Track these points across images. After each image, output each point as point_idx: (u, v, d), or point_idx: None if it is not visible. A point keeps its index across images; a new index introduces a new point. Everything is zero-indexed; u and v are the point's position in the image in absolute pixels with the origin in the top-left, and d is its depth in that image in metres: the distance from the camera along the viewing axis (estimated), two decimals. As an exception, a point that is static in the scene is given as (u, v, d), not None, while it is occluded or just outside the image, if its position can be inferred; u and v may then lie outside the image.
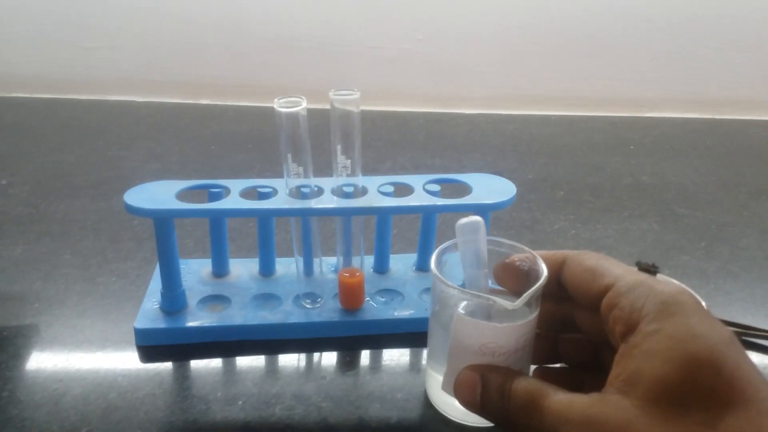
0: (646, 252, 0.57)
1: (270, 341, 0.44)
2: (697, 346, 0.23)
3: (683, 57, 0.96)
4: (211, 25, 0.91)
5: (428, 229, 0.49)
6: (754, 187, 0.71)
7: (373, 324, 0.45)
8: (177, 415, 0.37)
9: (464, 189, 0.45)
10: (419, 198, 0.43)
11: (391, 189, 0.45)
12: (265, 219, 0.46)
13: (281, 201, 0.42)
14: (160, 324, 0.43)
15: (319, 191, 0.43)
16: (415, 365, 0.42)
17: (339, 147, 0.42)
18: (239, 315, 0.44)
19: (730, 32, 0.95)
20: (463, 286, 0.37)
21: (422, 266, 0.50)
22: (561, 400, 0.26)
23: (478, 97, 0.97)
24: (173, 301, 0.43)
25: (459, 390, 0.31)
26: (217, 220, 0.46)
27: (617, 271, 0.29)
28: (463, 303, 0.36)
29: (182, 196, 0.42)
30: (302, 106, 0.40)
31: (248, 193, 0.43)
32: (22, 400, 0.38)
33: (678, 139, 0.87)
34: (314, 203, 0.42)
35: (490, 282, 0.38)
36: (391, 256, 0.50)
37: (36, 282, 0.49)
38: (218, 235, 0.47)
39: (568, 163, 0.76)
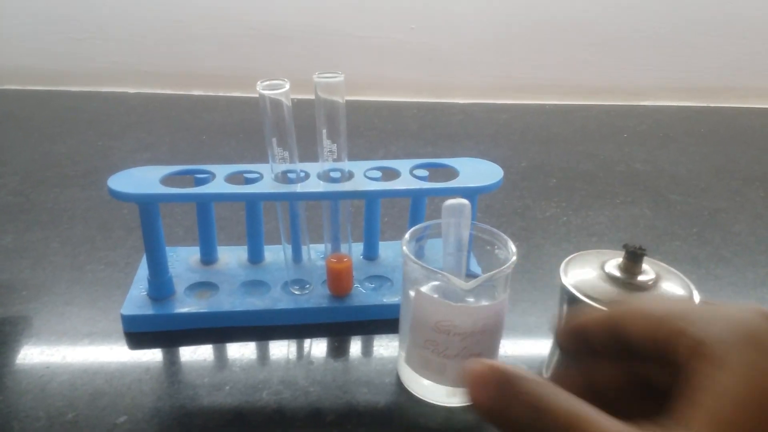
0: (637, 237, 0.57)
1: (258, 328, 0.44)
2: None
3: (677, 45, 0.96)
4: (202, 16, 0.91)
5: (417, 214, 0.48)
6: (747, 174, 0.71)
7: (361, 310, 0.45)
8: (164, 401, 0.37)
9: (451, 173, 0.45)
10: (405, 182, 0.43)
11: (378, 174, 0.44)
12: (252, 205, 0.46)
13: (266, 185, 0.42)
14: (147, 310, 0.42)
15: (306, 176, 0.43)
16: (403, 350, 0.42)
17: (324, 131, 0.42)
18: (227, 301, 0.44)
19: (724, 21, 0.94)
20: (442, 268, 0.37)
21: (412, 252, 0.50)
22: (610, 428, 0.21)
23: (472, 87, 0.96)
24: (160, 287, 0.43)
25: (471, 387, 0.23)
26: (204, 206, 0.46)
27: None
28: (433, 283, 0.36)
29: (169, 182, 0.42)
30: (285, 88, 0.39)
31: (235, 179, 0.43)
32: (8, 387, 0.38)
33: (672, 127, 0.87)
34: (300, 188, 0.42)
35: (478, 269, 0.38)
36: (381, 243, 0.50)
37: (24, 270, 0.49)
38: (206, 222, 0.47)
39: (561, 151, 0.76)
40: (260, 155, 0.74)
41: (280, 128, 0.40)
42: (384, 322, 0.44)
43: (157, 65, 0.93)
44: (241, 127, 0.80)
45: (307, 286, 0.46)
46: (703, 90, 0.98)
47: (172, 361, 0.41)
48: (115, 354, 0.41)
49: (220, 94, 0.93)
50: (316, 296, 0.45)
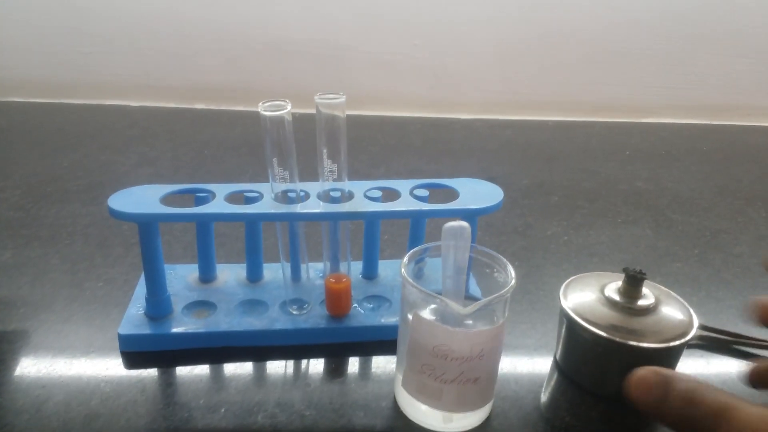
0: (638, 258, 0.56)
1: (256, 348, 0.43)
2: None
3: (680, 63, 0.96)
4: (206, 30, 0.91)
5: (417, 234, 0.48)
6: (750, 194, 0.71)
7: (359, 331, 0.44)
8: (158, 423, 0.36)
9: (452, 194, 0.45)
10: (406, 203, 0.43)
11: (378, 194, 0.44)
12: (252, 224, 0.46)
13: (266, 206, 0.42)
14: (145, 330, 0.42)
15: (306, 196, 0.43)
16: (401, 372, 0.42)
17: (325, 151, 0.42)
18: (225, 321, 0.44)
19: (727, 38, 0.94)
20: (440, 291, 0.37)
21: (411, 272, 0.50)
22: (755, 412, 0.25)
23: (475, 103, 0.96)
24: (158, 306, 0.43)
25: (636, 388, 0.30)
26: (203, 224, 0.46)
27: None
28: (432, 306, 0.36)
29: (169, 200, 0.42)
30: (287, 109, 0.39)
31: (236, 198, 0.43)
32: (3, 406, 0.37)
33: (675, 145, 0.86)
34: (300, 208, 0.42)
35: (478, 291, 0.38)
36: (381, 261, 0.50)
37: (23, 286, 0.49)
38: (205, 241, 0.47)
39: (563, 168, 0.76)
40: (262, 170, 0.74)
41: (281, 148, 0.40)
42: (382, 343, 0.44)
43: (160, 78, 0.93)
44: (244, 141, 0.80)
45: (306, 305, 0.46)
46: (707, 107, 0.98)
47: (168, 381, 0.40)
48: (111, 374, 0.40)
49: (223, 108, 0.93)
50: (314, 316, 0.45)
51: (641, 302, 0.39)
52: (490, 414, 0.38)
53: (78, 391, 0.39)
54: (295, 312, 0.45)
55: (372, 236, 0.48)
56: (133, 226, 0.52)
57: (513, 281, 0.34)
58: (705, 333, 0.45)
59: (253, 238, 0.47)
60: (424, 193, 0.45)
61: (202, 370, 0.41)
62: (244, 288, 0.48)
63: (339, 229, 0.45)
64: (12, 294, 0.48)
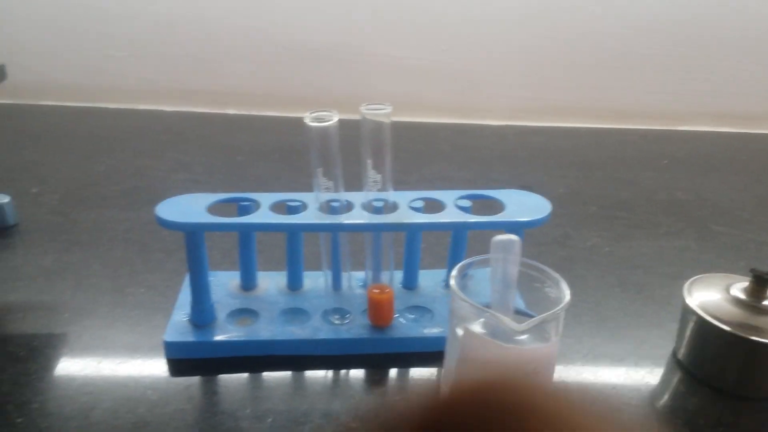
0: (684, 272, 0.55)
1: (296, 357, 0.43)
2: None
3: (715, 70, 0.94)
4: (237, 36, 0.92)
5: (459, 245, 0.48)
6: (793, 205, 0.69)
7: (402, 342, 0.44)
8: (206, 432, 0.36)
9: (496, 205, 0.44)
10: (451, 215, 0.42)
11: (421, 204, 0.44)
12: (294, 233, 0.46)
13: (312, 216, 0.41)
14: (190, 337, 0.42)
15: (349, 206, 0.43)
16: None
17: (370, 162, 0.41)
18: (267, 330, 0.44)
19: (762, 46, 0.92)
20: (488, 304, 0.37)
21: (452, 282, 0.49)
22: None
23: (504, 109, 0.96)
24: (203, 314, 0.43)
25: None
26: (246, 233, 0.46)
27: None
28: (481, 320, 0.36)
29: (213, 208, 0.42)
30: (333, 120, 0.39)
31: (277, 207, 0.43)
32: (52, 413, 0.38)
33: (712, 154, 0.85)
34: (344, 218, 0.42)
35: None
36: (420, 271, 0.50)
37: (66, 291, 0.49)
38: (247, 249, 0.47)
39: (598, 177, 0.75)
40: (295, 176, 0.75)
41: (326, 159, 0.40)
42: (423, 354, 0.44)
43: (192, 83, 0.94)
44: (276, 148, 0.81)
45: (347, 315, 0.45)
46: (743, 116, 0.96)
47: (212, 389, 0.40)
48: (156, 380, 0.40)
49: (253, 113, 0.93)
50: (356, 326, 0.44)
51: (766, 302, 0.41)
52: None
53: (125, 398, 0.39)
54: (337, 321, 0.45)
55: (413, 246, 0.48)
56: (171, 233, 0.52)
57: (568, 298, 0.34)
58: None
59: (294, 247, 0.47)
60: (466, 203, 0.44)
61: (245, 378, 0.41)
62: (285, 296, 0.47)
63: (382, 239, 0.44)
64: (55, 299, 0.48)
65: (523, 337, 0.36)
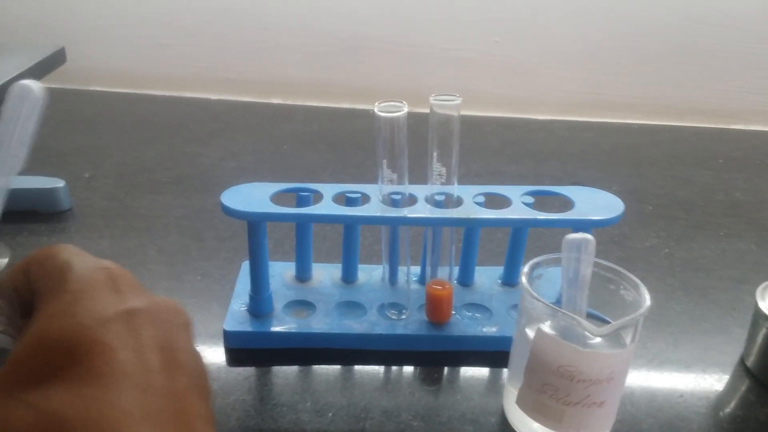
0: (746, 275, 0.53)
1: (352, 350, 0.43)
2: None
3: (777, 66, 0.90)
4: (288, 26, 0.91)
5: (518, 242, 0.47)
6: None
7: (460, 340, 0.43)
8: (269, 424, 0.36)
9: (561, 202, 0.43)
10: (518, 211, 0.41)
11: (482, 199, 0.43)
12: (351, 225, 0.45)
13: (375, 208, 0.41)
14: (248, 327, 0.42)
15: (412, 199, 0.42)
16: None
17: (435, 154, 0.40)
18: (324, 322, 0.43)
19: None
20: (558, 303, 0.36)
21: (509, 280, 0.48)
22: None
23: (554, 102, 0.93)
24: (261, 304, 0.43)
25: None
26: (304, 224, 0.45)
27: None
28: (550, 321, 0.35)
29: (274, 198, 0.42)
30: (403, 111, 0.38)
31: (337, 198, 0.43)
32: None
33: (770, 154, 0.82)
34: (407, 212, 0.41)
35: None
36: (476, 268, 0.49)
37: (123, 277, 0.50)
38: (304, 240, 0.46)
39: (654, 175, 0.73)
40: (343, 167, 0.74)
41: (392, 151, 0.39)
42: (481, 353, 0.43)
43: (239, 72, 0.94)
44: (321, 138, 0.80)
45: (404, 310, 0.45)
46: (804, 114, 0.92)
47: (271, 381, 0.40)
48: (217, 371, 0.40)
49: (298, 103, 0.93)
50: (413, 322, 0.44)
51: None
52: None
53: (185, 386, 0.39)
54: (393, 316, 0.44)
55: (472, 242, 0.47)
56: (225, 220, 0.52)
57: (648, 302, 0.33)
58: None
59: (351, 239, 0.46)
60: (529, 200, 0.43)
61: (302, 370, 0.41)
62: (340, 289, 0.47)
63: (442, 234, 0.44)
64: (113, 283, 0.49)
65: (596, 340, 0.35)
